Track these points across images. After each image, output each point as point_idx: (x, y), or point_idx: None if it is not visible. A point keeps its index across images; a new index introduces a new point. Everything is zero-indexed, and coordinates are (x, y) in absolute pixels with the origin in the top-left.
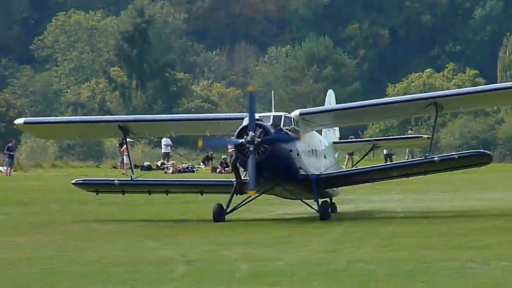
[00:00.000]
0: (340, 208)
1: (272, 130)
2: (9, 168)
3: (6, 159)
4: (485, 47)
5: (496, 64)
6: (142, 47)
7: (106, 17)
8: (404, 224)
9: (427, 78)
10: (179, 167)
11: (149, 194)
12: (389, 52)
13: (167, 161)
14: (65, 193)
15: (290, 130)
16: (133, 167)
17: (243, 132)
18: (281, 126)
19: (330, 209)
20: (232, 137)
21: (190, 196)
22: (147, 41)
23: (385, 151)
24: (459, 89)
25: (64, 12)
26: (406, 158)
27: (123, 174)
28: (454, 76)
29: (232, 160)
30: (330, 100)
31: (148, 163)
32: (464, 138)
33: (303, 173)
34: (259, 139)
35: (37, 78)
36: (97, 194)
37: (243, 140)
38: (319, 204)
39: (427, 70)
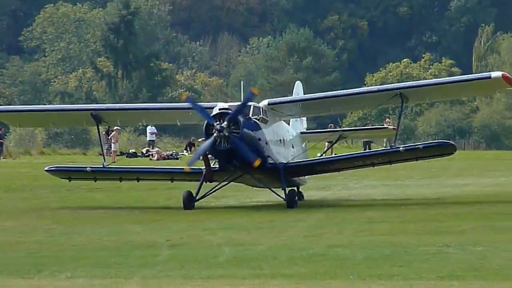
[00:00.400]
0: (319, 194)
1: (242, 119)
2: None
3: None
4: (461, 37)
5: (471, 54)
6: (128, 38)
7: (93, 9)
8: (381, 209)
9: (404, 68)
10: (163, 154)
11: (120, 181)
12: (367, 42)
13: (152, 148)
14: (53, 180)
15: (258, 119)
16: (105, 155)
17: (219, 117)
18: (250, 115)
19: (297, 197)
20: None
21: (176, 183)
22: (132, 32)
23: (364, 139)
24: (424, 81)
25: (52, 5)
26: (384, 145)
27: (113, 162)
28: (431, 66)
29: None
30: (298, 91)
31: (133, 150)
32: (440, 126)
33: (271, 161)
34: (226, 133)
35: (25, 68)
36: (69, 181)
37: (214, 124)
38: (286, 192)
39: (404, 60)
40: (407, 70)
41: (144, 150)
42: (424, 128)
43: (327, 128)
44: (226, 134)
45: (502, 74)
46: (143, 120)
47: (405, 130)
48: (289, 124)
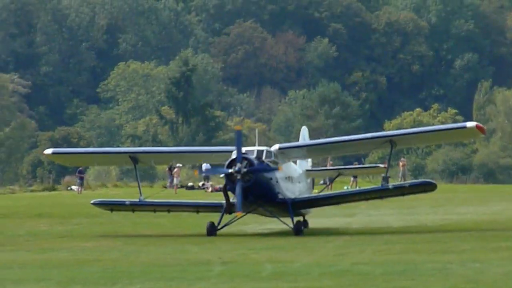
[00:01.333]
0: (345, 220)
1: (256, 162)
2: (80, 188)
3: (78, 180)
4: (463, 91)
5: (472, 105)
6: (187, 90)
7: (158, 66)
8: (396, 233)
9: (417, 116)
10: (216, 187)
11: (154, 212)
12: (386, 95)
13: (207, 182)
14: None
15: (270, 162)
16: (141, 190)
17: (232, 163)
18: (263, 158)
19: (302, 226)
20: (223, 168)
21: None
22: (191, 86)
23: (383, 174)
24: (410, 129)
25: (124, 62)
26: (399, 180)
27: (176, 194)
28: (438, 115)
29: (222, 186)
30: (304, 136)
31: (191, 184)
32: (446, 164)
33: (281, 197)
34: (245, 169)
35: (102, 115)
36: (111, 212)
37: (231, 170)
38: (294, 222)
39: (417, 109)
40: (419, 118)
41: (200, 184)
42: (433, 166)
43: (353, 164)
44: (245, 170)
45: (476, 125)
46: (173, 161)
47: (416, 167)
48: (296, 163)
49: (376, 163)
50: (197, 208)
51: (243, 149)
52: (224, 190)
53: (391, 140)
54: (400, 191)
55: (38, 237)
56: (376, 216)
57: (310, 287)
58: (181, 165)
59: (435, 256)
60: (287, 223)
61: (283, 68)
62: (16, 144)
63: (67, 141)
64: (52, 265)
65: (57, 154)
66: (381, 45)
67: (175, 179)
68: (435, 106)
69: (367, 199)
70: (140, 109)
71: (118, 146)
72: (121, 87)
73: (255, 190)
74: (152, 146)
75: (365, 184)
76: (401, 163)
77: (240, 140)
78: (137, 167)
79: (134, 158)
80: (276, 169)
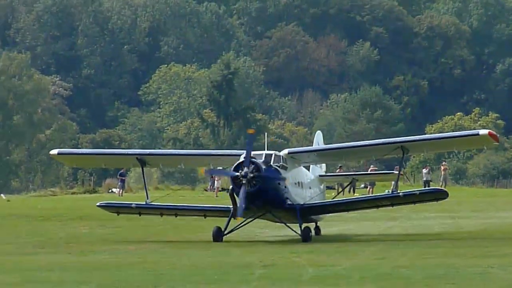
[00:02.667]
0: (388, 224)
1: (263, 167)
2: (121, 190)
3: (119, 183)
4: (504, 95)
5: None
6: (229, 93)
7: (200, 69)
8: (438, 237)
9: (458, 120)
10: None
11: (161, 216)
12: (427, 98)
13: None
14: None
15: (279, 167)
16: (148, 193)
17: (239, 167)
18: (271, 163)
19: (311, 233)
20: (230, 170)
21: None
22: (232, 89)
23: (424, 178)
24: (422, 136)
25: (166, 65)
26: (440, 184)
27: (216, 197)
28: (480, 119)
29: (229, 190)
30: (318, 140)
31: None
32: (486, 168)
33: (289, 202)
34: (252, 175)
35: (143, 118)
36: (118, 215)
37: (238, 173)
38: (302, 229)
39: (458, 113)
40: (460, 122)
41: None
42: (474, 170)
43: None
44: (251, 175)
45: (489, 132)
46: (182, 164)
47: (457, 171)
48: (309, 168)
49: (417, 167)
50: (205, 212)
51: (252, 153)
52: (232, 194)
53: (402, 146)
54: (411, 198)
55: (78, 239)
56: (417, 220)
57: None
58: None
59: (476, 260)
60: (295, 229)
61: (324, 72)
62: (57, 146)
63: (108, 144)
64: (93, 268)
65: (63, 154)
66: (423, 49)
67: (216, 182)
68: (476, 110)
69: (377, 207)
70: (182, 112)
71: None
72: (162, 90)
73: (262, 195)
74: (194, 149)
75: (405, 188)
76: (442, 167)
77: (251, 144)
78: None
79: (141, 160)
80: (283, 179)
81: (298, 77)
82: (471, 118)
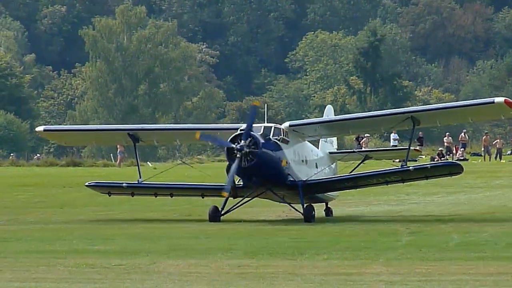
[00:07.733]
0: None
1: (261, 141)
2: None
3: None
4: None
5: None
6: (375, 60)
7: (346, 36)
8: None
9: None
10: None
11: (156, 196)
12: None
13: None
14: None
15: (279, 140)
16: (140, 171)
17: (236, 139)
18: (270, 136)
19: (314, 211)
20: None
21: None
22: (379, 56)
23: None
24: (434, 105)
25: (313, 32)
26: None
27: None
28: None
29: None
30: (328, 114)
31: None
32: None
33: (291, 179)
34: (248, 150)
35: (290, 85)
36: (109, 195)
37: (234, 145)
38: (304, 207)
39: None
40: None
41: None
42: None
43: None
44: (247, 150)
45: (505, 100)
46: (177, 139)
47: None
48: (318, 145)
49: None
50: (202, 191)
51: (244, 126)
52: (228, 170)
53: (412, 117)
54: (423, 173)
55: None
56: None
57: (497, 257)
58: (369, 135)
59: None
60: (297, 209)
61: (471, 38)
62: (204, 114)
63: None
64: (239, 236)
65: (49, 131)
66: None
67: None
68: None
69: (387, 182)
70: (328, 79)
71: (307, 117)
72: (309, 57)
73: (260, 171)
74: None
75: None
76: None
77: (253, 116)
78: (140, 147)
79: (133, 136)
80: (286, 148)
81: (444, 44)
82: None
